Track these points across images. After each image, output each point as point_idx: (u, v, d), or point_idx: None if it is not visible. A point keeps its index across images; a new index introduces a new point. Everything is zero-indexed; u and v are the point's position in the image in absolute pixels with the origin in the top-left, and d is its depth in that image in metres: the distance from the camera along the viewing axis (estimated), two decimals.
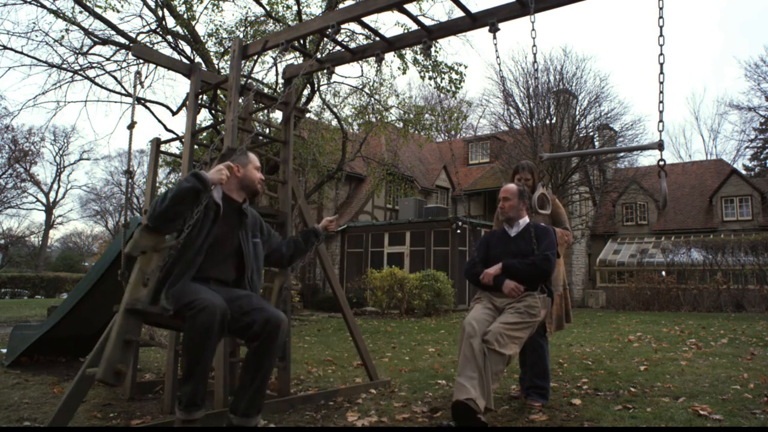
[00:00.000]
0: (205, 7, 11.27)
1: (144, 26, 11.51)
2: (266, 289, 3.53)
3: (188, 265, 2.48)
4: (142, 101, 11.74)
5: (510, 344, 2.91)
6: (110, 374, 2.22)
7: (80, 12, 10.60)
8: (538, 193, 3.26)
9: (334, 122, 13.50)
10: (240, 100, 3.96)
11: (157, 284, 2.46)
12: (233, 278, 2.64)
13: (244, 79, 4.43)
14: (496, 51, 3.11)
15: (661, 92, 2.34)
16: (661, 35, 2.33)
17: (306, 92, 11.86)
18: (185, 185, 2.39)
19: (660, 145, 2.34)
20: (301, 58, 9.76)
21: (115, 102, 28.42)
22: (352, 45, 9.54)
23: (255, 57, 4.86)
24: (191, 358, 2.28)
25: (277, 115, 11.09)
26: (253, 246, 2.74)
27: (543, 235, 3.29)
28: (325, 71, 4.08)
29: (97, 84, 11.68)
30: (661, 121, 2.33)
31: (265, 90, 11.09)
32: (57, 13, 10.46)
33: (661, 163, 2.33)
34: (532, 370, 3.48)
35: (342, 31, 3.77)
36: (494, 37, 3.12)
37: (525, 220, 3.42)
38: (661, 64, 2.33)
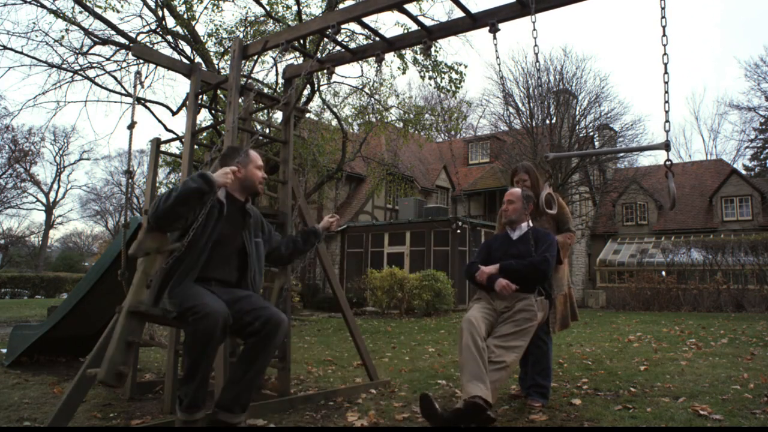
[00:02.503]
0: (205, 7, 11.27)
1: (144, 26, 11.51)
2: (266, 290, 3.54)
3: (192, 265, 2.48)
4: (142, 101, 11.73)
5: (506, 353, 2.89)
6: (112, 375, 2.24)
7: (80, 12, 10.59)
8: (545, 193, 3.30)
9: (334, 122, 13.50)
10: (240, 100, 3.96)
11: (160, 285, 2.46)
12: (235, 278, 2.65)
13: (244, 79, 4.44)
14: (497, 51, 3.11)
15: (667, 92, 2.32)
16: (664, 35, 2.32)
17: (306, 92, 11.86)
18: (191, 185, 2.38)
19: (666, 146, 2.33)
20: (301, 58, 9.76)
21: (115, 102, 28.43)
22: (352, 45, 9.55)
23: (255, 57, 4.87)
24: (192, 361, 2.30)
25: (278, 115, 11.09)
26: (256, 246, 2.75)
27: (543, 238, 3.29)
28: (325, 71, 4.08)
29: (97, 84, 11.67)
30: (667, 121, 2.32)
31: (265, 90, 11.09)
32: (57, 13, 10.45)
33: (668, 163, 2.30)
34: (534, 368, 3.48)
35: (342, 31, 3.77)
36: (494, 38, 3.11)
37: (527, 224, 3.42)
38: (666, 64, 2.32)
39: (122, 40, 11.21)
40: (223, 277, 2.60)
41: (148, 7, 11.29)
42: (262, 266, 2.82)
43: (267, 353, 2.48)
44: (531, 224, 3.42)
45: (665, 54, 2.31)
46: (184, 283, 2.43)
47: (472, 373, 2.75)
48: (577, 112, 20.23)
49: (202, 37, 11.16)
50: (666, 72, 2.31)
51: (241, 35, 11.18)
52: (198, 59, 11.06)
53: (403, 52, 11.42)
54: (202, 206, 2.48)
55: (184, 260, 2.48)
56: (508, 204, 3.45)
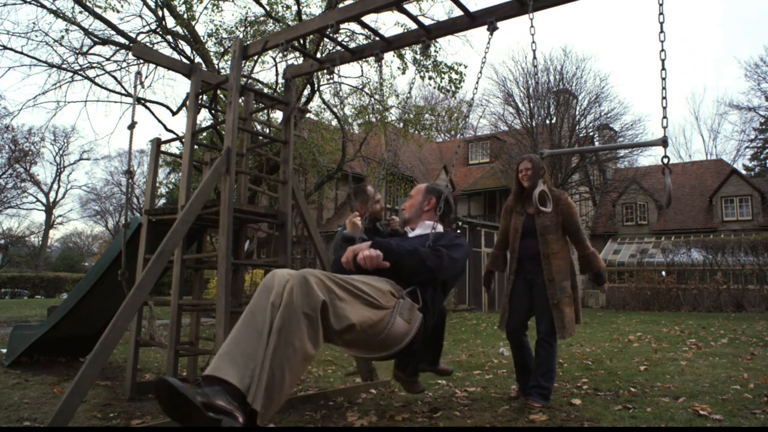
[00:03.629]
0: (205, 7, 11.28)
1: (144, 26, 11.52)
2: None
3: None
4: (142, 101, 11.73)
5: (321, 293, 1.81)
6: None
7: (80, 12, 10.60)
8: (539, 190, 3.11)
9: (335, 122, 13.50)
10: (240, 100, 3.96)
11: None
12: None
13: (245, 79, 4.44)
14: (487, 47, 3.06)
15: (664, 88, 2.31)
16: (661, 31, 2.31)
17: (306, 92, 11.86)
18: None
19: (664, 142, 2.32)
20: (301, 58, 9.77)
21: (115, 102, 28.41)
22: (352, 45, 9.54)
23: (255, 57, 4.87)
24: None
25: (277, 115, 11.09)
26: None
27: (448, 237, 2.59)
28: (325, 71, 4.08)
29: (97, 84, 11.68)
30: (665, 117, 2.31)
31: (266, 90, 11.09)
32: (57, 13, 10.45)
33: (665, 160, 2.30)
34: (538, 370, 3.44)
35: (342, 31, 3.78)
36: (490, 35, 3.09)
37: (432, 225, 2.67)
38: (663, 61, 2.31)
39: (122, 40, 11.22)
40: None
41: (148, 7, 11.29)
42: None
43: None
44: (441, 228, 2.74)
45: (662, 50, 2.30)
46: None
47: (237, 350, 1.71)
48: (577, 112, 20.25)
49: (202, 37, 11.16)
50: (663, 68, 2.31)
51: (241, 35, 11.18)
52: (198, 59, 11.06)
53: (403, 52, 11.43)
54: None
55: None
56: (408, 199, 2.89)
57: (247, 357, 1.69)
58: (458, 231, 15.80)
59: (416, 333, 2.24)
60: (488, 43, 3.06)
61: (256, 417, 1.64)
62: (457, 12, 3.30)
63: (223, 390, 1.63)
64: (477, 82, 2.94)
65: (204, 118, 12.00)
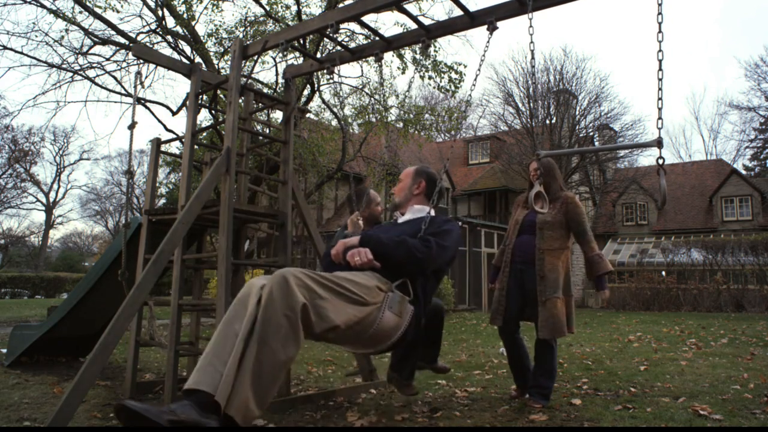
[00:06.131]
0: (205, 7, 11.27)
1: (144, 26, 11.51)
2: None
3: None
4: (142, 101, 11.73)
5: (302, 295, 1.78)
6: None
7: (80, 12, 10.60)
8: (534, 191, 3.11)
9: (334, 122, 13.50)
10: (240, 100, 3.96)
11: None
12: None
13: (244, 79, 4.43)
14: (486, 46, 3.04)
15: (660, 89, 2.31)
16: (660, 31, 2.32)
17: (306, 92, 11.86)
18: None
19: (659, 143, 2.31)
20: (301, 58, 9.76)
21: (115, 102, 28.35)
22: (352, 45, 9.53)
23: (255, 57, 4.86)
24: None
25: (277, 115, 11.09)
26: None
27: (439, 223, 2.52)
28: (324, 71, 4.08)
29: (97, 84, 11.68)
30: (660, 118, 2.31)
31: (265, 90, 11.08)
32: (57, 13, 10.45)
33: (660, 161, 2.29)
34: (538, 369, 3.42)
35: (342, 30, 3.77)
36: (490, 35, 3.09)
37: (424, 208, 2.71)
38: (660, 61, 2.31)
39: (122, 40, 11.22)
40: None
41: (148, 7, 11.29)
42: None
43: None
44: (432, 212, 2.68)
45: (660, 51, 2.30)
46: None
47: (216, 360, 1.70)
48: (577, 112, 20.24)
49: (202, 37, 11.16)
50: (660, 69, 2.31)
51: (241, 35, 11.18)
52: (198, 59, 11.06)
53: (403, 52, 11.43)
54: None
55: None
56: (398, 183, 2.89)
57: (224, 364, 1.65)
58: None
59: (408, 325, 2.21)
60: (488, 42, 3.05)
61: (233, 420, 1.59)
62: (457, 12, 3.30)
63: (194, 402, 1.59)
64: (475, 79, 2.98)
65: (204, 118, 12.00)
